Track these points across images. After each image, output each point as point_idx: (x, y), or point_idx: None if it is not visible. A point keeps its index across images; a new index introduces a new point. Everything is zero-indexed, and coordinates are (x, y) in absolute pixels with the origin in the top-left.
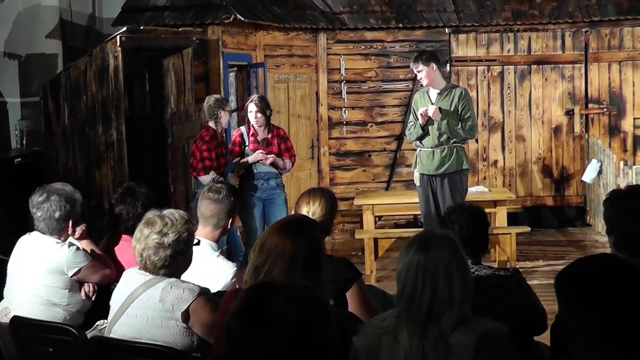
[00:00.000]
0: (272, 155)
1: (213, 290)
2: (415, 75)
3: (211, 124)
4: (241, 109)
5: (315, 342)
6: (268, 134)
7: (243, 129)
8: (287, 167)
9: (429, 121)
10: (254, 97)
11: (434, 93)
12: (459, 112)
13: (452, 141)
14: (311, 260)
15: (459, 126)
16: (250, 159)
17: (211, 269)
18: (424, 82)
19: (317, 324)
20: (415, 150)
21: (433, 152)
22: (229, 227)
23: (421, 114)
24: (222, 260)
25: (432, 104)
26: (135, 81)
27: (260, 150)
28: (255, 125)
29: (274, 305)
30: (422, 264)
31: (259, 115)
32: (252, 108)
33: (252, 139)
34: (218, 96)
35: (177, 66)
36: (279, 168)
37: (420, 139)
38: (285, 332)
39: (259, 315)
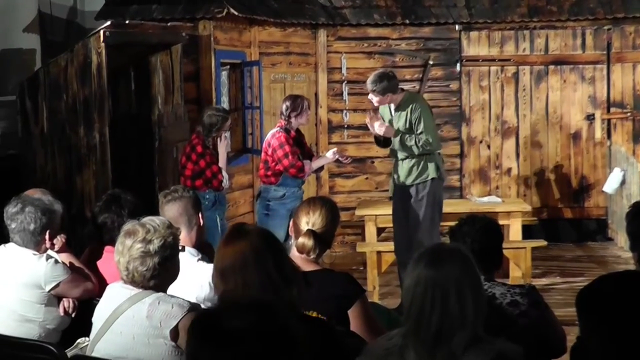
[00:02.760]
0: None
1: (200, 296)
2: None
3: (200, 129)
4: (235, 111)
5: (278, 348)
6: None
7: (282, 131)
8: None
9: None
10: (304, 97)
11: (393, 107)
12: (412, 124)
13: (419, 152)
14: (275, 249)
15: (413, 142)
16: (328, 158)
17: (193, 276)
18: (376, 104)
19: (275, 331)
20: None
21: (403, 162)
22: (202, 223)
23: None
24: (204, 264)
25: (391, 118)
26: (119, 79)
27: (335, 149)
28: (301, 124)
29: (228, 321)
30: (432, 280)
31: None
32: (307, 107)
33: (292, 141)
34: (211, 122)
35: (166, 64)
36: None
37: (391, 151)
38: (245, 344)
39: (216, 334)
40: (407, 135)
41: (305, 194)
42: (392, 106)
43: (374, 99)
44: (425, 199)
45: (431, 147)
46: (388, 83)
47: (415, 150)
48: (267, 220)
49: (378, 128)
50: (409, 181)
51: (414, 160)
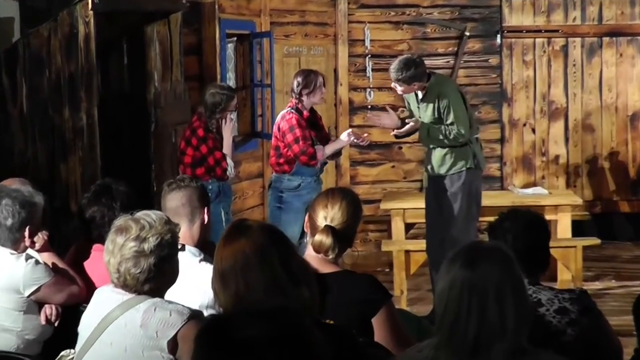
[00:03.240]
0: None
1: (202, 302)
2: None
3: (201, 110)
4: (242, 89)
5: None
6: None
7: (294, 111)
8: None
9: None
10: (318, 72)
11: (420, 94)
12: (440, 113)
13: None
14: (281, 244)
15: (442, 134)
16: (343, 141)
17: (195, 279)
18: (398, 93)
19: (292, 340)
20: None
21: (434, 150)
22: (206, 221)
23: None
24: (207, 265)
25: (419, 105)
26: (110, 53)
27: (350, 130)
28: (314, 104)
29: (240, 329)
30: (469, 283)
31: None
32: (322, 81)
33: (305, 123)
34: (216, 99)
35: (163, 35)
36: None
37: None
38: (259, 355)
39: (226, 345)
40: (436, 127)
41: (323, 184)
42: (420, 92)
43: (399, 88)
44: (461, 191)
45: (463, 138)
46: (415, 71)
47: (447, 142)
48: (280, 214)
49: (397, 131)
50: (442, 171)
51: (446, 148)
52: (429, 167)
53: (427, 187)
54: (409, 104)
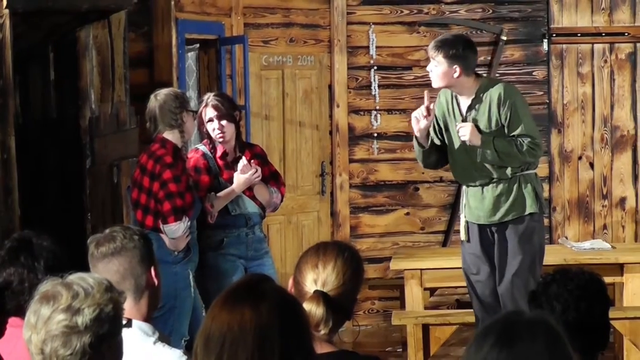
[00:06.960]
0: (258, 169)
1: None
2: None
3: (169, 135)
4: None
5: None
6: (238, 153)
7: (203, 147)
8: (275, 201)
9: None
10: (209, 96)
11: (464, 102)
12: (503, 124)
13: (513, 170)
14: (291, 333)
15: (515, 148)
16: (241, 180)
17: None
18: (433, 82)
19: None
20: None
21: (483, 189)
22: (156, 283)
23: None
24: (164, 348)
25: (463, 118)
26: (31, 65)
27: (242, 162)
28: (218, 141)
29: None
30: None
31: (224, 124)
32: (209, 114)
33: (222, 162)
34: (173, 90)
35: (102, 41)
36: (265, 202)
37: (459, 174)
38: None
39: None
40: (502, 139)
41: (314, 237)
42: (461, 102)
43: (434, 67)
44: (523, 246)
45: (539, 153)
46: (464, 51)
47: (522, 157)
48: (204, 281)
49: (467, 133)
50: (496, 218)
51: (501, 186)
52: (476, 213)
53: (470, 240)
54: (437, 120)
